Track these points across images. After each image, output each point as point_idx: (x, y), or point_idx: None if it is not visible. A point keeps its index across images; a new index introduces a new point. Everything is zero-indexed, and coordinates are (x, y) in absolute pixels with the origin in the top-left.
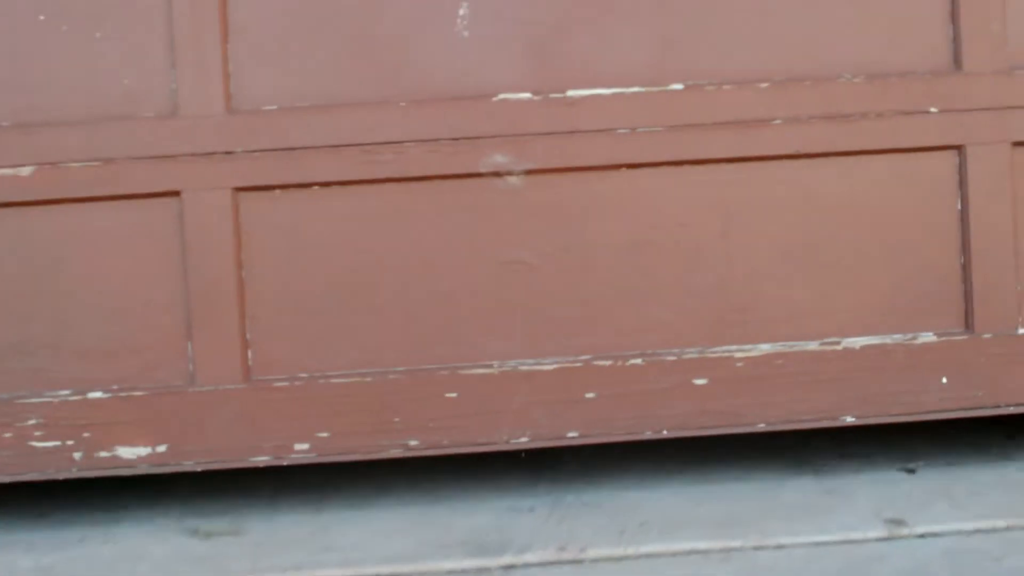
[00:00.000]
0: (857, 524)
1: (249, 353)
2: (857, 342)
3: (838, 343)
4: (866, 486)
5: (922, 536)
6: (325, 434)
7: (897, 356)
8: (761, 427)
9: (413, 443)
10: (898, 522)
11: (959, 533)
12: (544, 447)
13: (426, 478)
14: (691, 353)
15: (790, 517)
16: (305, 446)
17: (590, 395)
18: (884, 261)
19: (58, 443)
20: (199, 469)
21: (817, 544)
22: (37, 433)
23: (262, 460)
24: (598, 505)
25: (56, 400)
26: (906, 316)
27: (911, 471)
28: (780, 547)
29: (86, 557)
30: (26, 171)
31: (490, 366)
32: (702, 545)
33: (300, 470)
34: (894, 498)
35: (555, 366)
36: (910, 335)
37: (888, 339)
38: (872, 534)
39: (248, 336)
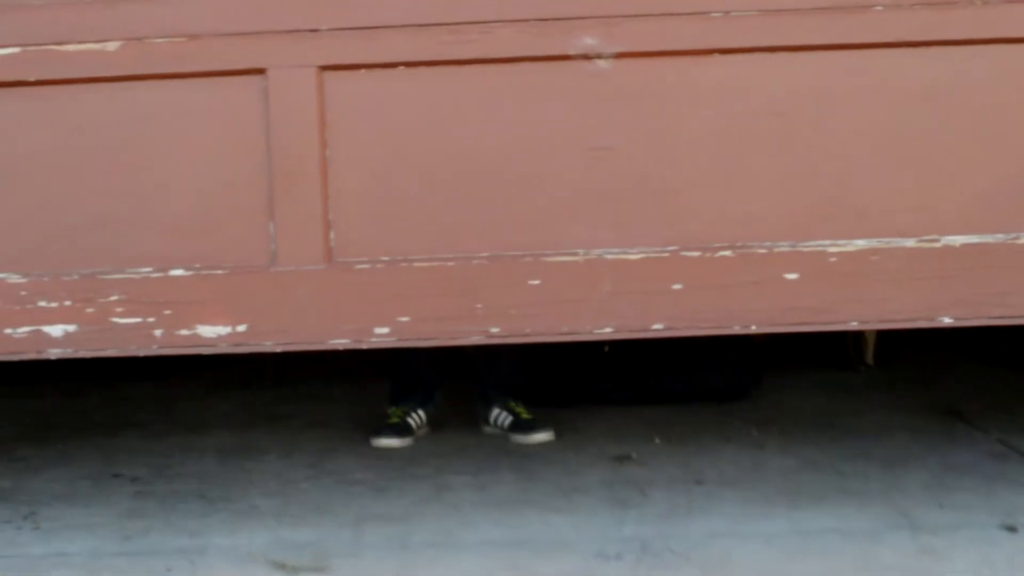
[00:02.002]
0: None
1: (331, 234)
2: (956, 240)
3: (936, 241)
4: (964, 545)
5: None
6: (405, 318)
7: (999, 256)
8: (853, 325)
9: (494, 330)
10: None
11: None
12: (629, 339)
13: (512, 512)
14: (783, 247)
15: None
16: (385, 330)
17: (677, 286)
18: (987, 157)
19: (139, 319)
20: (278, 350)
21: None
22: (119, 309)
23: (341, 342)
24: (687, 555)
25: (138, 276)
26: (1009, 215)
27: (1012, 529)
28: None
29: None
30: (112, 46)
31: (575, 254)
32: None
33: (385, 496)
34: (995, 562)
35: (641, 256)
36: (1013, 235)
37: (990, 238)
38: None
39: (330, 217)
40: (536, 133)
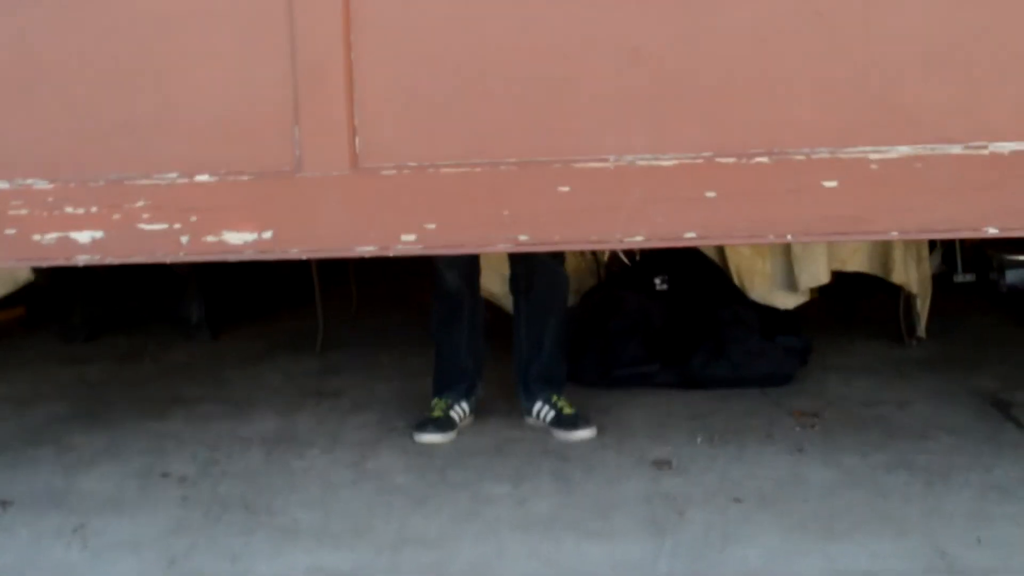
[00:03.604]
0: None
1: (356, 140)
2: (1006, 147)
3: (985, 148)
4: None
5: None
6: (432, 225)
7: None
8: (894, 235)
9: (523, 238)
10: None
11: None
12: (660, 247)
13: (549, 538)
14: (821, 153)
15: None
16: (412, 237)
17: (710, 194)
18: None
19: (165, 226)
20: (304, 257)
21: None
22: (145, 215)
23: (368, 250)
24: None
25: (163, 182)
26: None
27: None
28: None
29: None
30: None
31: (606, 160)
32: None
33: (424, 509)
34: None
35: (675, 162)
36: None
37: None
38: None
39: (356, 122)
40: (567, 35)
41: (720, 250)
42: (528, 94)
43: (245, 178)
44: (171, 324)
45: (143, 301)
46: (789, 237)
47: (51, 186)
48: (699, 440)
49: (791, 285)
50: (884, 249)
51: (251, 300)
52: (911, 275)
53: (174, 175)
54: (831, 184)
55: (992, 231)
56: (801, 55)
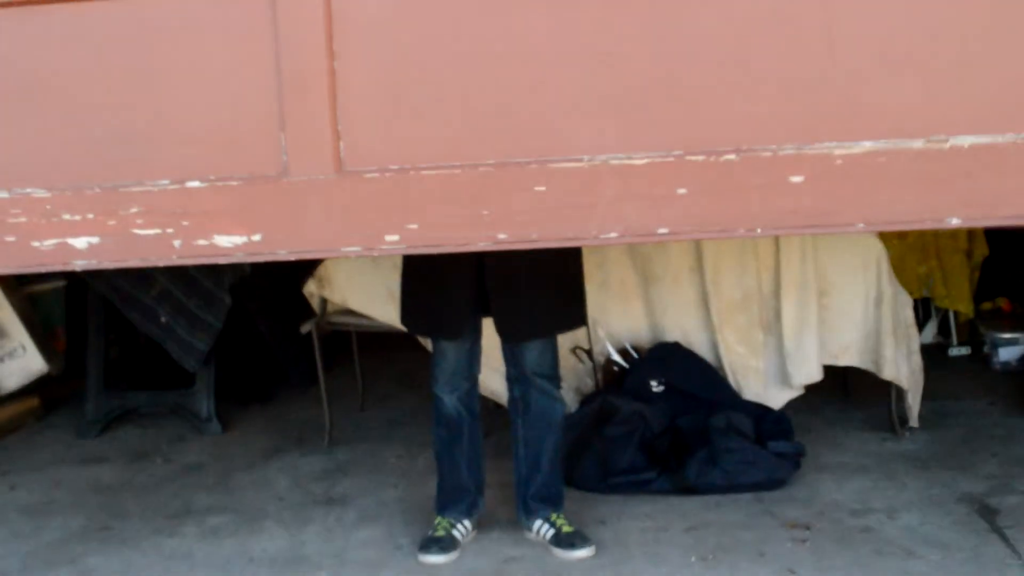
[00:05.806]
0: None
1: (340, 144)
2: (965, 141)
3: (945, 141)
4: None
5: None
6: (414, 226)
7: (1008, 156)
8: (860, 227)
9: (502, 236)
10: None
11: None
12: (634, 243)
13: None
14: (788, 150)
15: None
16: (395, 237)
17: (682, 191)
18: (997, 56)
19: (159, 231)
20: (292, 258)
21: None
22: (139, 221)
23: (353, 250)
24: None
25: (156, 189)
26: (1019, 115)
27: None
28: None
29: None
30: None
31: (580, 160)
32: None
33: None
34: None
35: (647, 161)
36: (1023, 135)
37: (999, 138)
38: None
39: (339, 127)
40: (542, 38)
41: (714, 349)
42: (504, 98)
43: (234, 183)
44: (182, 417)
45: (154, 395)
46: (759, 231)
47: (49, 194)
48: (693, 559)
49: (785, 381)
50: (875, 345)
51: (259, 386)
52: (902, 370)
53: (166, 182)
54: (798, 179)
55: (955, 221)
56: (766, 57)
